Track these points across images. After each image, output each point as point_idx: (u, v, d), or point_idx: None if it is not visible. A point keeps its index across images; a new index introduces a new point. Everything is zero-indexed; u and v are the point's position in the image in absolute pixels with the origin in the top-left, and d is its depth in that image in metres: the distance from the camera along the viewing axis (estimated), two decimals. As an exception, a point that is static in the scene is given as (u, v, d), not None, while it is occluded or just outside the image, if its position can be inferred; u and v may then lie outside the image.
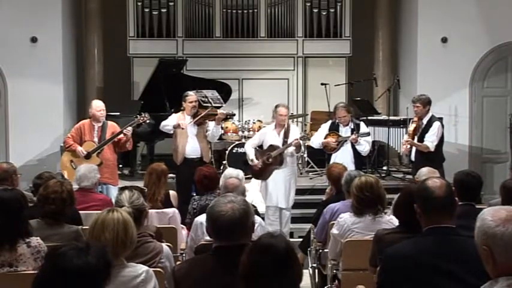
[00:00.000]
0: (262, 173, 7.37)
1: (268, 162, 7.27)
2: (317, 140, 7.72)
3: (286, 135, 7.32)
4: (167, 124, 7.48)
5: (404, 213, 3.65)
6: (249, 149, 7.48)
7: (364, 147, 7.53)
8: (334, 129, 7.65)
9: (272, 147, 7.31)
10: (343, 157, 7.37)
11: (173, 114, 7.63)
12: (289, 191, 7.36)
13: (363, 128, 7.65)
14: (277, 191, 7.30)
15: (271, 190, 7.31)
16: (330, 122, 7.84)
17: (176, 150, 7.45)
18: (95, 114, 7.20)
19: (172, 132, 7.49)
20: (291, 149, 7.26)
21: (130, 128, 7.17)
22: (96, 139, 7.15)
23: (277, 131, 7.37)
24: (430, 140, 7.36)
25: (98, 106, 7.25)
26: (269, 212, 7.30)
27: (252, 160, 7.37)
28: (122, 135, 7.13)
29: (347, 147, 7.52)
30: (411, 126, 7.56)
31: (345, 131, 7.60)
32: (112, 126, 7.27)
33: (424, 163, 6.92)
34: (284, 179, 7.32)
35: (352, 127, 7.58)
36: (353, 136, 7.42)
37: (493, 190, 9.30)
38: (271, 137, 7.39)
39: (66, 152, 7.29)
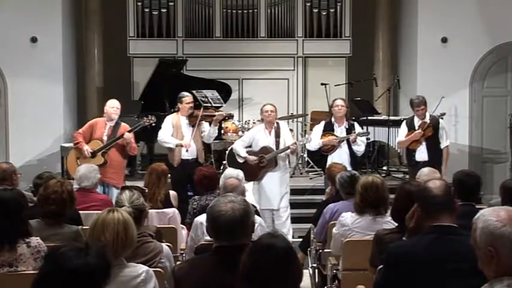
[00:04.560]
0: (254, 175, 7.25)
1: (262, 164, 7.23)
2: (314, 141, 7.52)
3: (277, 135, 7.27)
4: (166, 141, 7.36)
5: (403, 217, 3.64)
6: (239, 148, 7.38)
7: (360, 147, 7.43)
8: (329, 129, 7.50)
9: (265, 149, 7.24)
10: (341, 158, 7.28)
11: (167, 119, 7.54)
12: (284, 192, 7.30)
13: (358, 128, 7.56)
14: (271, 192, 7.24)
15: (265, 192, 7.24)
16: (323, 122, 7.66)
17: (173, 152, 7.40)
18: (108, 111, 7.17)
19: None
20: (286, 152, 7.21)
21: (129, 134, 7.08)
22: (105, 138, 7.12)
23: (268, 130, 7.33)
24: (446, 141, 7.71)
25: (111, 104, 7.21)
26: (265, 215, 7.15)
27: (244, 157, 7.26)
28: (122, 139, 7.06)
29: (344, 147, 7.40)
30: (419, 127, 7.62)
31: (340, 131, 7.46)
32: (124, 128, 7.19)
33: (439, 162, 7.13)
34: (278, 181, 7.27)
35: (347, 127, 7.47)
36: (353, 135, 7.35)
37: (493, 190, 9.29)
38: (262, 137, 7.32)
39: (74, 149, 7.30)
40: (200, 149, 7.51)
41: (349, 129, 7.46)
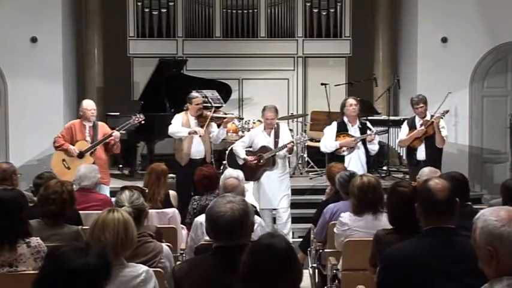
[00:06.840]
0: (253, 174, 7.25)
1: (260, 163, 7.24)
2: (330, 143, 7.33)
3: (276, 135, 7.26)
4: (178, 131, 7.42)
5: (402, 223, 3.63)
6: (239, 149, 7.41)
7: (376, 146, 7.40)
8: (342, 129, 7.36)
9: (264, 149, 7.24)
10: (359, 158, 7.25)
11: (176, 116, 7.59)
12: (283, 192, 7.28)
13: (370, 126, 7.51)
14: (270, 192, 7.23)
15: (265, 192, 7.24)
16: (335, 123, 7.50)
17: (181, 151, 7.45)
18: (85, 114, 7.18)
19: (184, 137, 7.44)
20: (284, 151, 7.21)
21: (117, 133, 7.14)
22: (88, 138, 7.15)
23: (267, 131, 7.32)
24: (445, 134, 7.62)
25: (88, 105, 7.23)
26: (264, 215, 7.11)
27: (244, 159, 7.29)
28: (111, 138, 7.11)
29: (362, 147, 7.30)
30: (422, 125, 7.60)
31: (354, 131, 7.34)
32: (102, 126, 7.30)
33: (437, 162, 7.09)
34: (277, 180, 7.26)
35: (361, 126, 7.39)
36: (372, 134, 7.27)
37: (493, 190, 9.29)
38: (261, 138, 7.31)
39: (58, 151, 7.23)
40: (208, 149, 7.62)
41: (363, 128, 7.37)
